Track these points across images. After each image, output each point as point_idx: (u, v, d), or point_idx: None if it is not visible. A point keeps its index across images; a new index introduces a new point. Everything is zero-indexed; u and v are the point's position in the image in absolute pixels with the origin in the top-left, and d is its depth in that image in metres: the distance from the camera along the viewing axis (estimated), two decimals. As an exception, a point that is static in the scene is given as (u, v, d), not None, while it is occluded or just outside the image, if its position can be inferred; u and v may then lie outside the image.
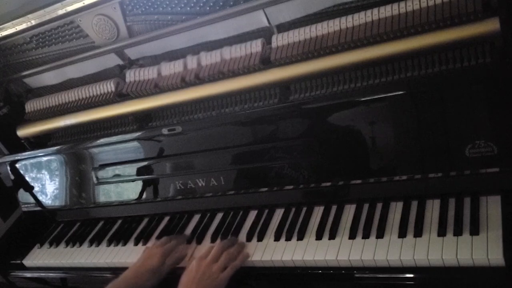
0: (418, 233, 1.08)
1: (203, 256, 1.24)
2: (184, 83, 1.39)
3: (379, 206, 1.20)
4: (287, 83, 1.29)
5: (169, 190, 1.46)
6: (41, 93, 1.72)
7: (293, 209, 1.32)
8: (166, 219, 1.53)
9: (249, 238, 1.29)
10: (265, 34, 1.33)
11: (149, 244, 1.42)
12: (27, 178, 1.73)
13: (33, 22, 1.53)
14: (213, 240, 1.35)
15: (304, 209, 1.30)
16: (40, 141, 1.73)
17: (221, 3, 1.33)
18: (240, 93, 1.35)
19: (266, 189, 1.33)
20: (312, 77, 1.25)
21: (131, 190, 1.54)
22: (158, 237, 1.44)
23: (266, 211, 1.36)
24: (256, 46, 1.29)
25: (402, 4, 1.13)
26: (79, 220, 1.71)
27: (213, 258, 1.22)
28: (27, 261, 1.64)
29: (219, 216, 1.43)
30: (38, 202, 1.74)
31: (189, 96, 1.39)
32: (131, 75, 1.47)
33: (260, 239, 1.27)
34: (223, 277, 1.19)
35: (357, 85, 1.21)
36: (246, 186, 1.35)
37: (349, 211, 1.23)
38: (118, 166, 1.53)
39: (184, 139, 1.39)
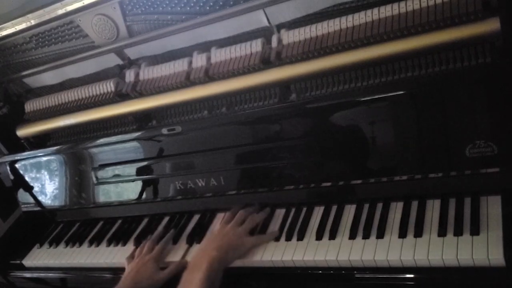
0: (418, 233, 1.08)
1: (227, 221, 1.24)
2: (183, 83, 1.39)
3: (379, 206, 1.20)
4: (287, 83, 1.29)
5: (169, 190, 1.46)
6: (41, 93, 1.72)
7: (293, 209, 1.32)
8: (166, 219, 1.53)
9: (249, 238, 1.29)
10: (265, 34, 1.33)
11: (138, 249, 1.39)
12: (27, 178, 1.73)
13: (33, 22, 1.53)
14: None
15: (304, 209, 1.30)
16: (40, 141, 1.73)
17: (221, 3, 1.33)
18: (240, 93, 1.35)
19: (266, 189, 1.32)
20: (312, 77, 1.25)
21: (131, 190, 1.54)
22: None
23: (266, 211, 1.36)
24: (256, 46, 1.29)
25: (402, 4, 1.13)
26: (79, 220, 1.71)
27: (237, 222, 1.22)
28: (27, 261, 1.64)
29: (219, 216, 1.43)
30: (37, 202, 1.74)
31: (189, 96, 1.39)
32: (131, 75, 1.47)
33: (260, 239, 1.27)
34: (248, 240, 1.18)
35: (357, 85, 1.21)
36: (246, 186, 1.35)
37: (349, 211, 1.23)
38: (118, 166, 1.53)
39: (184, 139, 1.39)
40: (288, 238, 1.23)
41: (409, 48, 1.12)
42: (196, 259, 1.18)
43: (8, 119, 1.74)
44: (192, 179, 1.40)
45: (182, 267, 1.29)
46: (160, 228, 1.48)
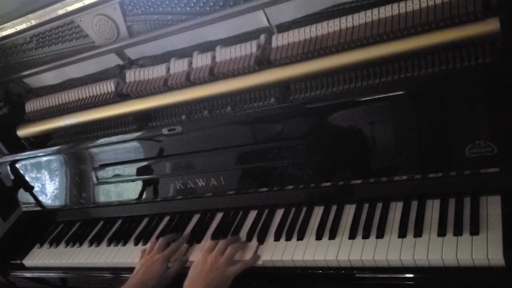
0: (418, 233, 1.08)
1: (209, 249, 1.24)
2: (183, 83, 1.39)
3: (379, 206, 1.20)
4: (287, 83, 1.29)
5: (169, 190, 1.46)
6: (41, 93, 1.72)
7: (293, 209, 1.32)
8: (166, 219, 1.53)
9: (249, 238, 1.29)
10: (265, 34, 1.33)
11: (148, 245, 1.39)
12: (27, 178, 1.73)
13: (33, 22, 1.53)
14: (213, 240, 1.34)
15: (304, 209, 1.30)
16: (40, 141, 1.74)
17: (221, 3, 1.33)
18: (240, 93, 1.35)
19: (266, 189, 1.33)
20: (312, 77, 1.25)
21: (131, 190, 1.54)
22: (158, 238, 1.44)
23: (266, 211, 1.36)
24: (255, 46, 1.29)
25: (402, 4, 1.13)
26: (79, 220, 1.71)
27: (219, 251, 1.22)
28: (27, 261, 1.64)
29: (219, 216, 1.43)
30: (38, 202, 1.74)
31: (189, 96, 1.39)
32: (131, 75, 1.47)
33: (260, 239, 1.27)
34: (231, 271, 1.18)
35: (357, 85, 1.22)
36: (246, 186, 1.35)
37: (349, 211, 1.23)
38: (118, 166, 1.53)
39: (184, 139, 1.39)
40: (288, 238, 1.23)
41: (409, 48, 1.12)
42: None
43: (9, 119, 1.75)
44: (192, 179, 1.41)
45: (185, 260, 1.32)
46: (177, 233, 1.44)
